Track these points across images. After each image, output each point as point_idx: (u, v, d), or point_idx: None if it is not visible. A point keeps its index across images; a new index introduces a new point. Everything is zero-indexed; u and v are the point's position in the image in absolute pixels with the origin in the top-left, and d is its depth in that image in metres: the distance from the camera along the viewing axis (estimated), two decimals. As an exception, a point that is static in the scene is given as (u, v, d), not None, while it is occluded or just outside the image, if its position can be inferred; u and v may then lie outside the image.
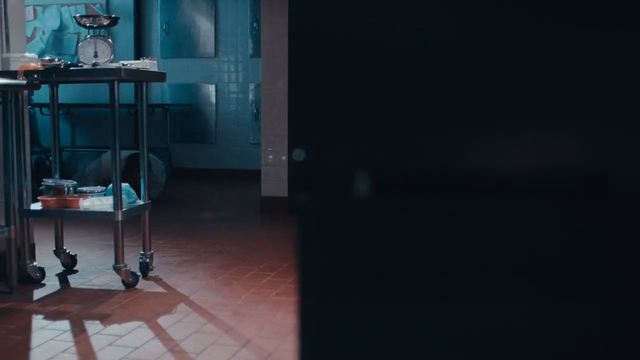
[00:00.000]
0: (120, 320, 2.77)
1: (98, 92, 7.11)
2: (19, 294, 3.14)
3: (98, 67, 3.14)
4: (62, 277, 3.46)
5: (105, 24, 3.37)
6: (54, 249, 3.60)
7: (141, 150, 3.48)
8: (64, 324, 2.73)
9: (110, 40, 3.36)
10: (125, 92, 7.35)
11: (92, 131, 7.61)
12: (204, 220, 5.18)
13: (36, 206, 3.32)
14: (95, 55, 3.29)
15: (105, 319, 2.79)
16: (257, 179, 7.09)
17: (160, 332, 2.64)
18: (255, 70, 7.47)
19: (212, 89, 7.61)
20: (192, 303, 3.02)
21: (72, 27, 7.52)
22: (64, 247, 3.60)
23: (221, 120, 7.63)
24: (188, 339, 2.57)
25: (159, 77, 3.46)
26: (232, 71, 7.58)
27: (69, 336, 2.60)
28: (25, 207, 3.25)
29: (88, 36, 3.34)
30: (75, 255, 3.64)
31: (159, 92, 7.61)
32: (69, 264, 3.59)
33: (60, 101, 5.90)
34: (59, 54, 7.25)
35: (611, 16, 0.76)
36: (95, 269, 3.62)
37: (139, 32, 7.60)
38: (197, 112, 7.65)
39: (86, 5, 7.57)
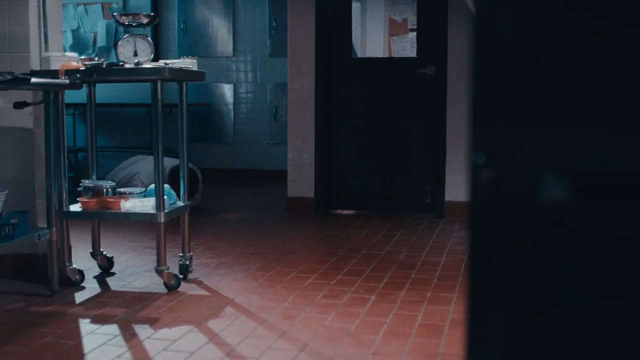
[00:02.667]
0: (169, 324, 2.72)
1: (113, 92, 7.06)
2: (60, 297, 3.09)
3: (141, 66, 3.09)
4: (101, 280, 3.41)
5: (144, 22, 3.31)
6: (91, 250, 3.55)
7: (180, 151, 3.42)
8: (113, 328, 2.68)
9: (149, 39, 3.30)
10: (139, 91, 7.30)
11: (108, 131, 7.55)
12: (231, 221, 5.13)
13: (75, 208, 3.27)
14: (135, 54, 3.24)
15: (153, 323, 2.74)
16: (276, 179, 7.05)
17: (213, 337, 2.59)
18: (273, 70, 7.42)
19: (230, 88, 7.56)
20: (239, 306, 2.97)
21: (90, 26, 7.47)
22: (101, 249, 3.54)
23: (239, 120, 7.58)
24: (243, 343, 2.52)
25: (200, 76, 3.41)
26: (250, 71, 7.53)
27: (120, 341, 2.55)
28: (64, 209, 3.20)
29: (126, 35, 3.28)
30: (112, 257, 3.58)
31: (176, 92, 7.55)
32: (106, 266, 3.54)
33: (76, 101, 5.86)
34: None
35: None
36: (133, 271, 3.56)
37: (156, 31, 7.54)
38: (215, 112, 7.60)
39: (102, 5, 7.52)
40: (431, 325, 2.71)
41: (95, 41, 7.50)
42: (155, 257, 3.81)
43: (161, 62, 3.19)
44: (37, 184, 3.33)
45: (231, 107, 7.57)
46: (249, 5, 7.45)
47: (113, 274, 3.51)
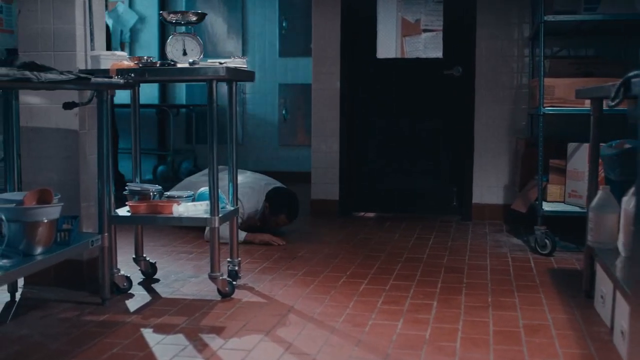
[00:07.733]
0: (238, 334, 2.62)
1: (121, 93, 6.91)
2: (112, 305, 2.97)
3: (197, 65, 2.99)
4: (147, 286, 3.29)
5: (193, 20, 3.21)
6: (134, 256, 3.43)
7: (230, 153, 3.33)
8: (180, 338, 2.57)
9: (198, 37, 3.21)
10: (148, 92, 7.17)
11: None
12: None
13: (122, 212, 3.15)
14: (184, 54, 3.14)
15: (220, 332, 2.64)
16: (288, 181, 6.92)
17: (288, 346, 2.49)
18: (283, 70, 7.33)
19: (239, 89, 7.44)
20: (301, 313, 2.88)
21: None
22: (144, 255, 3.43)
23: (248, 121, 7.47)
24: (321, 352, 2.43)
25: (250, 76, 3.32)
26: (260, 71, 7.42)
27: (192, 351, 2.44)
28: (113, 214, 3.08)
29: (175, 33, 3.18)
30: (155, 262, 3.47)
31: (184, 92, 7.42)
32: (150, 272, 3.42)
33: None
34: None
35: None
36: (176, 277, 3.45)
37: (163, 31, 7.40)
38: (224, 112, 7.45)
39: (108, 4, 7.36)
40: (506, 331, 2.64)
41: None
42: (194, 263, 3.76)
43: (215, 62, 3.09)
44: (83, 187, 3.21)
45: (241, 107, 7.46)
46: (258, 4, 7.34)
47: (157, 280, 3.40)
